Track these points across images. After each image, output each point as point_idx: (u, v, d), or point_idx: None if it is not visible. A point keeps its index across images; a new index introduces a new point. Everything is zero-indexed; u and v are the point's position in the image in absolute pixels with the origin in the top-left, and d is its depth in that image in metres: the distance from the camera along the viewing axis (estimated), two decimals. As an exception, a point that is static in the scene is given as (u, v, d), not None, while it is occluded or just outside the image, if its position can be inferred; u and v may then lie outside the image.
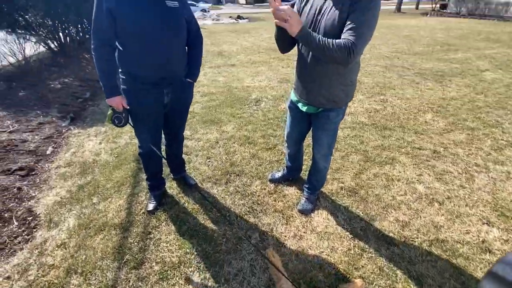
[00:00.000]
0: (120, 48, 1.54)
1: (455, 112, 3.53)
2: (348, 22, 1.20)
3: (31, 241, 1.82)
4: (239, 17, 18.39)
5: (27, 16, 5.54)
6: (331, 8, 1.27)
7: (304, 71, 1.52)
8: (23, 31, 5.52)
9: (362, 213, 1.97)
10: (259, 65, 6.18)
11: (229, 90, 4.52)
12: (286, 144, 2.01)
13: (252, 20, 18.30)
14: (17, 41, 4.97)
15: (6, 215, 2.01)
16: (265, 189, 2.21)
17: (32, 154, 2.73)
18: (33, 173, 2.49)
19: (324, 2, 1.31)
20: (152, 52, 1.52)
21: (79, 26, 6.80)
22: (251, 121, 3.39)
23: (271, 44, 8.66)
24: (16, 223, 1.95)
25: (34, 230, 1.90)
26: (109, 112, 1.65)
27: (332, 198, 2.11)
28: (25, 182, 2.36)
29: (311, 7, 1.37)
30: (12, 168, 2.48)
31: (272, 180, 2.26)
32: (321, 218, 1.92)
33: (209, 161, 2.59)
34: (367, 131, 3.07)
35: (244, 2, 46.28)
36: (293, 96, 1.71)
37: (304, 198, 2.01)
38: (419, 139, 2.91)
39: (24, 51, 4.99)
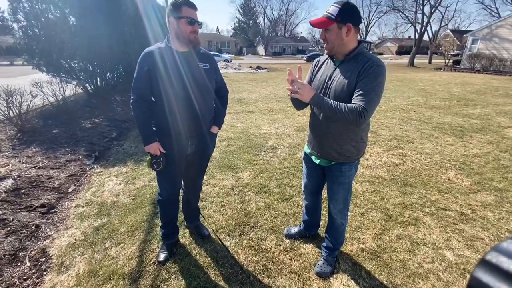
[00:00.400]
0: (154, 102, 1.68)
1: (479, 170, 3.40)
2: (358, 89, 1.33)
3: (39, 285, 1.78)
4: (258, 67, 19.77)
5: (71, 62, 6.27)
6: (340, 76, 1.42)
7: (316, 127, 1.61)
8: (66, 75, 6.20)
9: (386, 281, 1.81)
10: (276, 112, 6.44)
11: (247, 136, 4.66)
12: (304, 195, 2.02)
13: (270, 70, 19.58)
14: (59, 84, 5.55)
15: (20, 254, 2.01)
16: (280, 245, 2.11)
17: (55, 191, 2.83)
18: (53, 210, 2.55)
19: (334, 70, 1.47)
20: (183, 109, 1.65)
21: (115, 72, 7.55)
22: (267, 168, 3.41)
23: (287, 93, 9.09)
24: (28, 264, 1.94)
25: (45, 273, 1.87)
26: (148, 158, 1.72)
27: (353, 260, 1.97)
28: (44, 220, 2.40)
29: (322, 73, 1.54)
30: (35, 204, 2.56)
31: (288, 236, 2.17)
32: (341, 284, 1.78)
33: (223, 209, 2.56)
34: (386, 187, 2.98)
35: (264, 54, 50.27)
36: (307, 149, 1.79)
37: (322, 259, 1.89)
38: (443, 199, 2.77)
39: (64, 92, 5.52)
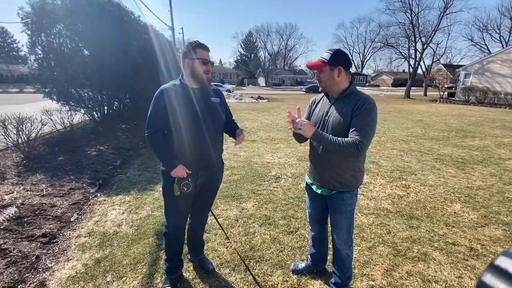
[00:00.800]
0: (167, 135, 1.75)
1: (485, 203, 3.38)
2: (354, 124, 1.49)
3: (35, 324, 1.69)
4: (259, 97, 20.42)
5: (81, 91, 6.51)
6: (336, 112, 1.58)
7: (316, 158, 1.72)
8: (75, 104, 6.41)
9: (399, 322, 1.72)
10: (278, 142, 6.54)
11: (249, 165, 4.70)
12: (310, 226, 2.04)
13: (271, 100, 20.18)
14: (68, 112, 5.72)
15: (19, 287, 1.94)
16: (287, 281, 2.04)
17: (57, 220, 2.79)
18: (54, 240, 2.50)
19: (330, 107, 1.63)
20: (196, 141, 1.71)
21: (122, 100, 7.81)
22: (271, 199, 3.39)
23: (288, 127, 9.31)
24: (25, 299, 1.86)
25: (42, 309, 1.79)
26: (175, 184, 1.70)
27: (363, 299, 1.89)
28: (44, 250, 2.35)
29: (319, 110, 1.71)
30: (36, 234, 2.52)
31: (295, 271, 2.11)
32: (352, 325, 1.69)
33: (228, 242, 2.51)
34: (392, 219, 2.95)
35: (264, 84, 52.12)
36: (308, 179, 1.88)
37: (331, 297, 1.83)
38: (451, 233, 2.72)
39: (72, 120, 5.67)
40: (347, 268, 1.83)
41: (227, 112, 1.96)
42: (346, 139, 1.47)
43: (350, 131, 1.49)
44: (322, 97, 1.74)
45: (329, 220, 1.89)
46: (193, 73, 1.71)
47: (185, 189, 1.71)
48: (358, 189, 1.74)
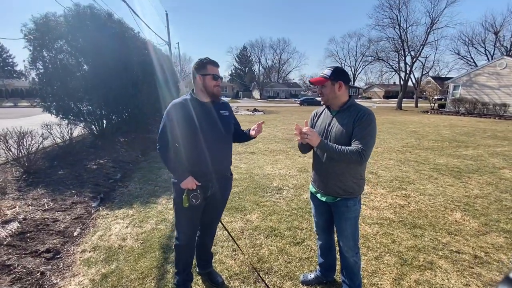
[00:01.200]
0: (178, 147, 1.78)
1: (484, 211, 3.45)
2: (355, 134, 1.60)
3: None
4: (255, 110, 20.64)
5: (80, 106, 6.52)
6: (337, 123, 1.70)
7: (320, 167, 1.81)
8: (74, 118, 6.41)
9: (412, 331, 1.73)
10: (277, 153, 6.59)
11: (251, 177, 4.72)
12: (317, 235, 2.07)
13: (267, 112, 20.40)
14: (68, 126, 5.71)
15: (24, 306, 1.89)
16: (298, 292, 2.04)
17: (60, 235, 2.75)
18: (59, 256, 2.46)
19: (332, 119, 1.75)
20: (207, 152, 1.76)
21: (120, 114, 7.82)
22: (275, 210, 3.41)
23: (286, 135, 9.42)
24: (31, 317, 1.82)
25: (49, 327, 1.75)
26: (184, 195, 1.73)
27: (374, 308, 1.90)
28: (49, 266, 2.30)
29: (322, 122, 1.82)
30: (40, 249, 2.47)
31: (304, 282, 2.11)
32: (366, 335, 1.69)
33: (235, 254, 2.50)
34: (396, 229, 2.98)
35: (259, 97, 52.78)
36: (312, 188, 1.95)
37: (343, 307, 1.83)
38: (454, 241, 2.77)
39: (71, 134, 5.65)
40: (356, 276, 1.86)
41: (235, 123, 2.02)
42: (349, 147, 1.58)
43: (353, 140, 1.60)
44: (324, 110, 1.87)
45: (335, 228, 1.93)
46: (204, 87, 1.77)
47: (194, 200, 1.74)
48: (361, 196, 1.83)
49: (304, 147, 1.89)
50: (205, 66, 1.76)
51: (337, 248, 2.19)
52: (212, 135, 1.77)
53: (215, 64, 1.80)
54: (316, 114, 1.93)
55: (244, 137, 2.00)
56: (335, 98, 1.71)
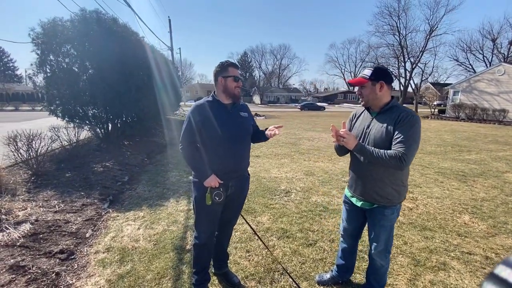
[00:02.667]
0: (199, 148, 1.82)
1: (492, 214, 3.47)
2: (397, 137, 1.50)
3: None
4: (256, 114, 20.70)
5: (86, 109, 6.56)
6: (377, 125, 1.62)
7: (358, 172, 1.73)
8: (80, 121, 6.44)
9: (430, 331, 1.74)
10: (282, 157, 6.62)
11: (258, 180, 4.74)
12: (342, 239, 2.02)
13: (268, 117, 20.49)
14: (75, 129, 5.74)
15: (42, 305, 1.89)
16: (314, 292, 2.05)
17: (73, 236, 2.75)
18: (73, 257, 2.46)
19: (372, 120, 1.67)
20: (227, 153, 1.79)
21: (126, 118, 7.86)
22: (285, 212, 3.42)
23: (289, 139, 9.46)
24: (50, 317, 1.82)
25: (69, 326, 1.75)
26: (207, 194, 1.76)
27: (391, 308, 1.91)
28: (64, 267, 2.31)
29: (360, 123, 1.75)
30: (54, 250, 2.48)
31: (320, 283, 2.12)
32: (385, 335, 1.70)
33: (249, 255, 2.51)
34: (406, 231, 3.00)
35: (259, 102, 53.02)
36: (347, 192, 1.88)
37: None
38: (465, 243, 2.78)
39: (78, 137, 5.67)
40: (381, 277, 1.85)
41: (254, 125, 2.05)
42: (388, 151, 1.48)
43: (393, 143, 1.50)
44: (363, 111, 1.79)
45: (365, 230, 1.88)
46: (225, 89, 1.81)
47: (217, 198, 1.77)
48: (401, 204, 1.73)
49: (341, 150, 1.81)
50: (226, 68, 1.80)
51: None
52: (232, 135, 1.80)
53: (236, 66, 1.84)
54: (355, 115, 1.84)
55: (261, 136, 2.00)
56: (375, 99, 1.62)
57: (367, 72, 1.62)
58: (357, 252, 2.12)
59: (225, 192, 1.80)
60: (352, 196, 1.81)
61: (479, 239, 2.86)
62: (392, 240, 1.80)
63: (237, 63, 1.87)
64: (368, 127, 1.66)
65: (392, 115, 1.57)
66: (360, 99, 1.70)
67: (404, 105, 1.74)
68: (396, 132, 1.50)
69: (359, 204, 1.75)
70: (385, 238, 1.72)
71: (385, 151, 1.49)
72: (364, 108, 1.78)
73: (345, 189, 1.93)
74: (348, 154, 1.84)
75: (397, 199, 1.66)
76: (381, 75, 1.60)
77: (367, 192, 1.68)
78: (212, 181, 1.75)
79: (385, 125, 1.56)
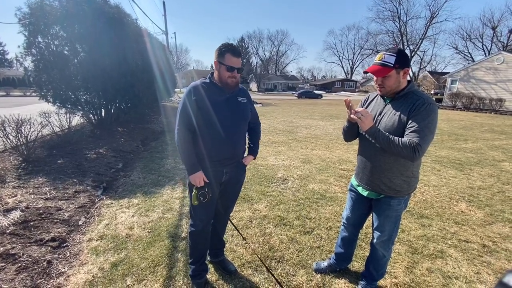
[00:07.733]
0: (195, 134, 1.72)
1: (488, 202, 3.48)
2: (411, 126, 1.37)
3: (56, 330, 1.61)
4: (254, 102, 20.47)
5: (78, 94, 6.35)
6: (391, 112, 1.48)
7: (366, 160, 1.63)
8: (72, 106, 6.25)
9: (427, 318, 1.74)
10: (279, 145, 6.55)
11: (255, 167, 4.68)
12: (343, 227, 1.97)
13: (265, 105, 20.28)
14: (67, 114, 5.56)
15: (33, 294, 1.84)
16: (311, 280, 2.03)
17: (65, 223, 2.69)
18: (65, 245, 2.40)
19: (384, 107, 1.54)
20: (222, 138, 1.70)
21: (119, 103, 7.65)
22: (282, 200, 3.38)
23: (286, 126, 9.37)
24: (41, 305, 1.77)
25: (61, 315, 1.71)
26: (194, 192, 1.70)
27: (389, 296, 1.90)
28: (55, 255, 2.25)
29: (372, 109, 1.61)
30: (45, 238, 2.41)
31: (318, 270, 2.10)
32: (383, 322, 1.69)
33: (245, 243, 2.48)
34: (404, 218, 2.98)
35: (256, 90, 52.41)
36: (354, 181, 1.80)
37: (360, 289, 1.82)
38: (462, 231, 2.78)
39: (70, 123, 5.51)
40: (381, 266, 1.82)
41: (253, 111, 1.94)
42: (403, 139, 1.36)
43: (406, 132, 1.37)
44: (376, 95, 1.65)
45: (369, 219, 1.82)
46: (219, 75, 1.69)
47: (202, 199, 1.71)
48: (410, 195, 1.64)
49: (349, 134, 1.68)
50: (223, 54, 1.62)
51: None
52: (228, 119, 1.70)
53: (235, 54, 1.62)
54: (367, 99, 1.69)
55: (249, 136, 2.02)
56: (398, 87, 1.46)
57: (389, 58, 1.40)
58: (357, 243, 2.08)
59: (210, 192, 1.73)
60: (358, 185, 1.73)
61: (476, 227, 2.86)
62: (397, 231, 1.74)
63: (237, 50, 1.66)
64: (380, 114, 1.53)
65: (407, 102, 1.43)
66: (380, 90, 1.52)
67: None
68: (410, 121, 1.37)
69: (365, 193, 1.68)
70: (390, 228, 1.66)
71: (400, 138, 1.37)
72: (377, 92, 1.62)
73: (352, 178, 1.85)
74: (356, 141, 1.75)
75: (406, 190, 1.57)
76: (405, 60, 1.42)
77: (375, 182, 1.59)
78: (198, 178, 1.67)
79: (398, 113, 1.43)
